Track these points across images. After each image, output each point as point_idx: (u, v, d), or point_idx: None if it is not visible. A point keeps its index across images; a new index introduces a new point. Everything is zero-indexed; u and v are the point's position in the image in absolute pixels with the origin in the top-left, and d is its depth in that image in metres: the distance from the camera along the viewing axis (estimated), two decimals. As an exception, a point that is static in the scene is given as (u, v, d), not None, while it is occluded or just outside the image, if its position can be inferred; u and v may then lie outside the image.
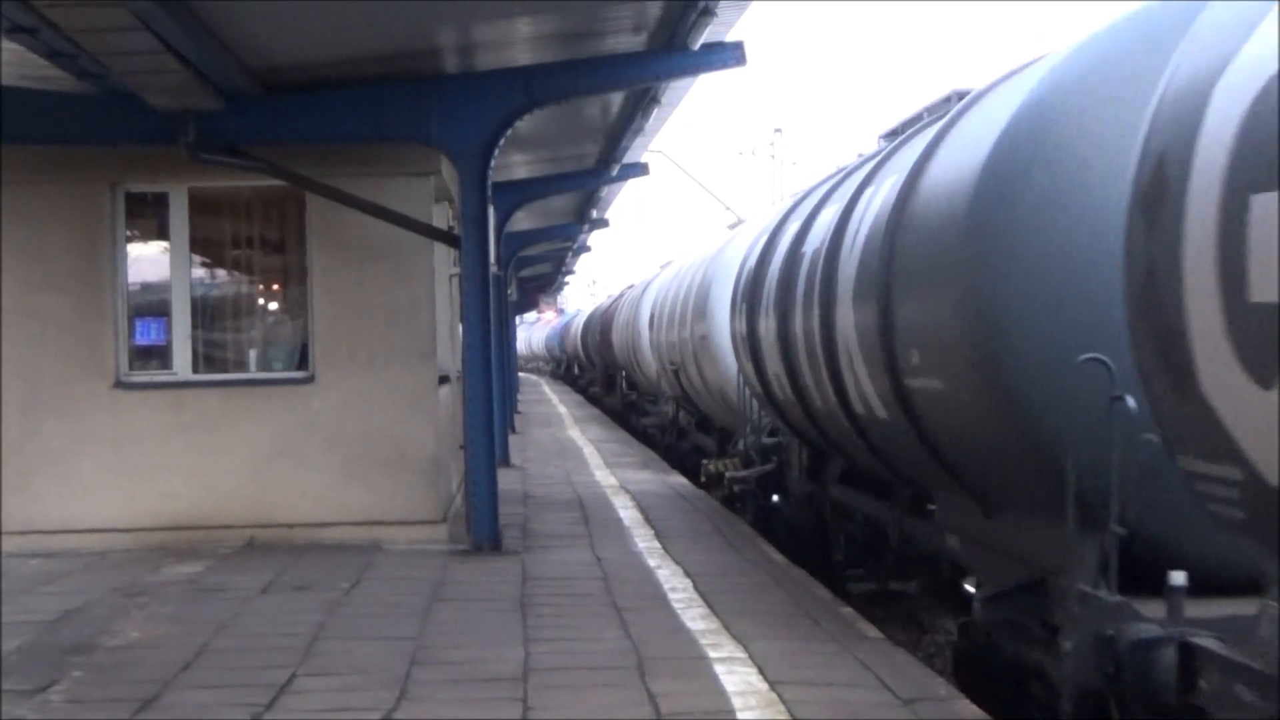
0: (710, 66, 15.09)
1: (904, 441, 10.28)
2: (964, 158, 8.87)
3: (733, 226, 27.21)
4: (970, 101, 10.04)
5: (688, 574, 13.01)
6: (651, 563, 13.78)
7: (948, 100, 11.66)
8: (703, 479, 21.76)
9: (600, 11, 13.86)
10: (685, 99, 19.54)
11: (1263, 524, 5.17)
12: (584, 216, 35.03)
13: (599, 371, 47.94)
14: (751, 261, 16.68)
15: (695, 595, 11.89)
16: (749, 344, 16.28)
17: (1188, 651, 6.29)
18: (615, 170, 24.54)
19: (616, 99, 18.50)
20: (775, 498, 17.36)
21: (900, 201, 9.89)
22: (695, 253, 28.38)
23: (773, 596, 11.99)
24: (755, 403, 17.95)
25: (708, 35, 14.25)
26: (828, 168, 16.10)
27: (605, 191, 30.46)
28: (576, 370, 64.03)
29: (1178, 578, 6.70)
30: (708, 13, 13.40)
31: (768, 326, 14.72)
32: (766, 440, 18.00)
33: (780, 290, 14.04)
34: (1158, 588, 6.88)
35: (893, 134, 13.33)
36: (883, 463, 11.63)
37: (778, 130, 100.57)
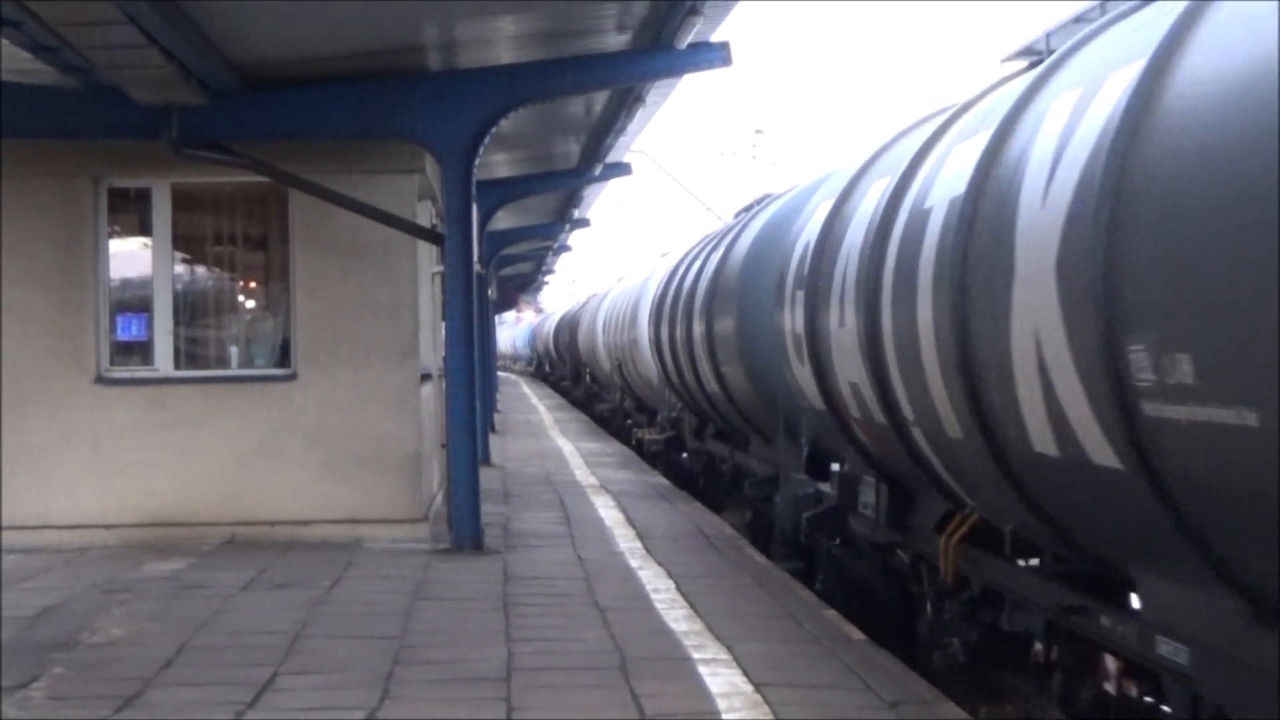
0: (696, 66, 15.06)
1: (726, 405, 18.20)
2: (745, 243, 17.03)
3: (664, 255, 32.41)
4: (766, 203, 18.51)
5: (670, 575, 13.00)
6: (634, 563, 13.77)
7: (760, 200, 20.32)
8: (634, 442, 29.88)
9: (585, 10, 13.83)
10: (668, 99, 19.52)
11: (828, 430, 12.09)
12: (565, 216, 34.98)
13: (568, 368, 54.37)
14: (660, 287, 24.66)
15: (678, 596, 11.88)
16: (657, 345, 23.75)
17: (819, 496, 12.68)
18: (598, 170, 24.51)
19: (600, 98, 18.48)
20: (685, 455, 24.01)
21: (722, 259, 18.05)
22: (637, 274, 35.64)
23: (755, 598, 12.00)
24: (667, 388, 24.05)
25: (693, 35, 14.24)
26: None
27: (587, 191, 30.43)
28: (548, 367, 68.82)
29: (835, 465, 12.36)
30: (695, 12, 13.36)
31: (665, 332, 22.46)
32: (674, 414, 24.57)
33: (670, 308, 22.14)
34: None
35: (745, 209, 21.07)
36: (723, 421, 19.38)
37: (759, 131, 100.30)
